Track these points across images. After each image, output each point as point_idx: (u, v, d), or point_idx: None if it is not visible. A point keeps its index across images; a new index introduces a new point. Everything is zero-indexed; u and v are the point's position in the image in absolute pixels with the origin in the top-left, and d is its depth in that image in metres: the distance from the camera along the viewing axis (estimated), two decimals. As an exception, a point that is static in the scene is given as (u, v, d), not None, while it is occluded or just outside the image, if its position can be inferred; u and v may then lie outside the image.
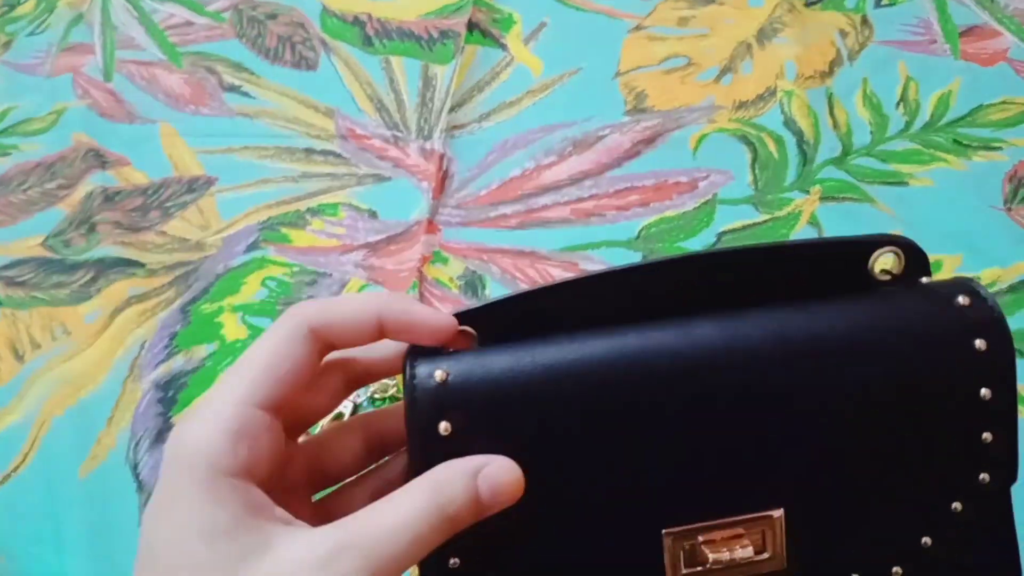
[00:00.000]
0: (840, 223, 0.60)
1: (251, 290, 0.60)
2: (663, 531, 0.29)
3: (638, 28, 0.74)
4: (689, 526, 0.29)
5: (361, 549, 0.24)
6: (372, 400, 0.54)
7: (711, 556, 0.29)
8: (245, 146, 0.68)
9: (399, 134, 0.68)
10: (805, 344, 0.30)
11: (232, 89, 0.72)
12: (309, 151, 0.68)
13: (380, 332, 0.28)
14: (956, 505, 0.30)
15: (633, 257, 0.59)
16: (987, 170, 0.63)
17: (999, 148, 0.64)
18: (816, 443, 0.30)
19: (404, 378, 0.28)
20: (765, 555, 0.30)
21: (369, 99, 0.71)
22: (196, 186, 0.66)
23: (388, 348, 0.30)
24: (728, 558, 0.29)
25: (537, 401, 0.28)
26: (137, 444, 0.54)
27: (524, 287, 0.53)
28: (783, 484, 0.30)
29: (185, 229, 0.63)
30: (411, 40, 0.75)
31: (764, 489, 0.30)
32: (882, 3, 0.74)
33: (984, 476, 0.30)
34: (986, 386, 0.30)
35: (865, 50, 0.71)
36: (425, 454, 0.27)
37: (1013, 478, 0.31)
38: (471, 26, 0.74)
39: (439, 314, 0.28)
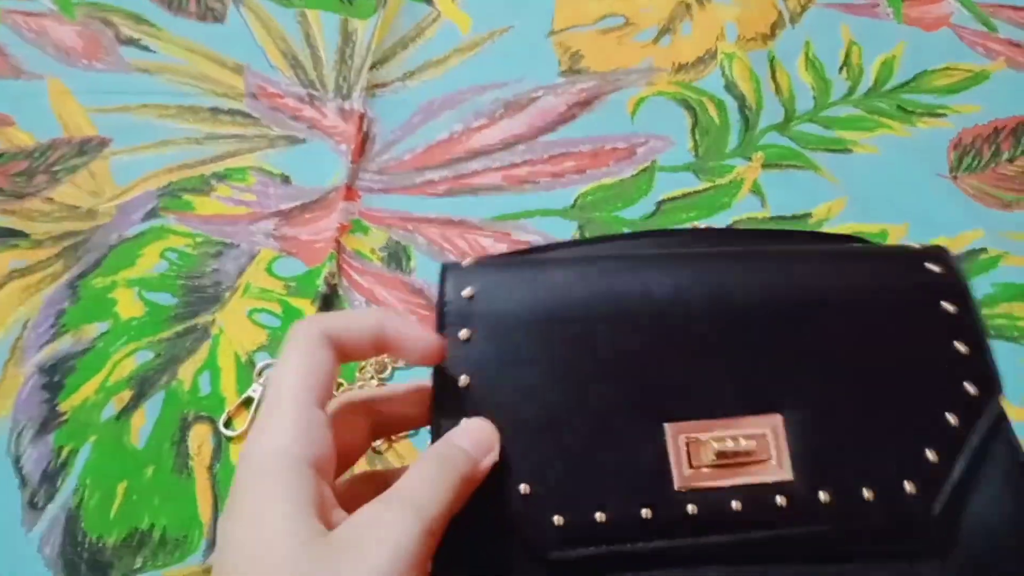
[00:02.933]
0: (783, 191, 0.57)
1: (149, 263, 0.54)
2: (664, 424, 0.31)
3: (572, -16, 0.70)
4: (692, 421, 0.31)
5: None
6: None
7: (716, 447, 0.31)
8: (143, 104, 0.62)
9: (315, 93, 0.63)
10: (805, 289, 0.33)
11: (130, 42, 0.66)
12: (215, 110, 0.62)
13: (379, 346, 0.30)
14: (950, 417, 0.32)
15: (568, 227, 0.56)
16: (932, 137, 0.61)
17: (943, 115, 0.62)
18: (811, 363, 0.32)
19: (439, 289, 0.32)
20: (767, 458, 0.31)
21: (283, 55, 0.65)
22: (88, 148, 0.60)
23: (410, 398, 0.33)
24: (731, 448, 0.31)
25: (550, 319, 0.32)
26: (20, 435, 0.48)
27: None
28: (783, 392, 0.32)
29: (75, 196, 0.57)
30: (329, -8, 0.69)
31: (764, 395, 0.32)
32: (824, -36, 0.72)
33: (968, 386, 0.32)
34: (946, 301, 0.33)
35: (807, 12, 0.68)
36: (450, 356, 0.31)
37: (996, 386, 0.33)
38: (394, -22, 0.69)
39: (428, 336, 0.30)
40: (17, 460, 0.47)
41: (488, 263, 0.34)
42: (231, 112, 0.62)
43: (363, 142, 0.59)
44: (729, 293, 0.33)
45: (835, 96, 0.63)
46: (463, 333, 0.31)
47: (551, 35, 0.66)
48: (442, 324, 0.32)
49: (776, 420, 0.32)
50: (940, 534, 0.31)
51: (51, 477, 0.46)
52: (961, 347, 0.33)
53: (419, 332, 0.30)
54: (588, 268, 0.33)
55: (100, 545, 0.44)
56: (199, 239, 0.55)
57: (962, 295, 0.34)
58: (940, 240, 0.55)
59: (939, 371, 0.33)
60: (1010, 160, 0.60)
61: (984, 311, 0.52)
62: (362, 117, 0.60)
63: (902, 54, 0.65)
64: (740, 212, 0.57)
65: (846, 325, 0.33)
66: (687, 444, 0.31)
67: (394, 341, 0.30)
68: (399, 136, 0.60)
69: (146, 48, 0.65)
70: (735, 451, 0.31)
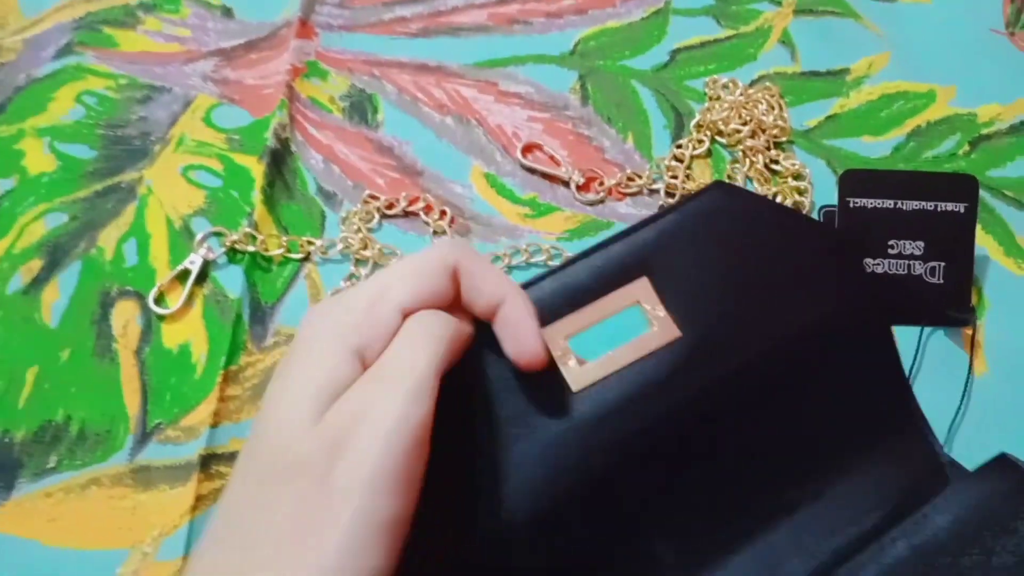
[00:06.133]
0: (817, 42, 0.49)
1: (62, 108, 0.45)
2: None
3: None
4: None
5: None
6: (232, 252, 0.41)
7: None
8: (55, -84, 0.51)
9: (265, -91, 0.52)
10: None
11: None
12: (143, -74, 0.51)
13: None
14: None
15: (568, 76, 0.47)
16: (988, -15, 0.52)
17: (1001, -41, 0.53)
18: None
19: None
20: None
21: None
22: (-12, -31, 0.49)
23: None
24: None
25: None
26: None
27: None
28: None
29: (-28, 25, 0.48)
30: None
31: None
32: None
33: None
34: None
35: None
36: None
37: None
38: None
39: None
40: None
41: None
42: (162, -71, 0.51)
43: (321, -32, 0.50)
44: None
45: (880, -68, 0.54)
46: None
47: None
48: None
49: None
50: None
51: (-54, 360, 0.39)
52: None
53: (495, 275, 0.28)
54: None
55: (6, 440, 0.36)
56: (123, 81, 0.46)
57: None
58: (992, 107, 0.47)
59: None
60: (1075, 13, 0.52)
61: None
62: (320, -62, 0.50)
63: None
64: (767, 65, 0.48)
65: None
66: None
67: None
68: (365, -37, 0.51)
69: None
70: None
